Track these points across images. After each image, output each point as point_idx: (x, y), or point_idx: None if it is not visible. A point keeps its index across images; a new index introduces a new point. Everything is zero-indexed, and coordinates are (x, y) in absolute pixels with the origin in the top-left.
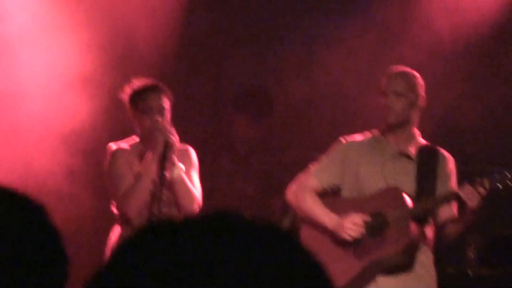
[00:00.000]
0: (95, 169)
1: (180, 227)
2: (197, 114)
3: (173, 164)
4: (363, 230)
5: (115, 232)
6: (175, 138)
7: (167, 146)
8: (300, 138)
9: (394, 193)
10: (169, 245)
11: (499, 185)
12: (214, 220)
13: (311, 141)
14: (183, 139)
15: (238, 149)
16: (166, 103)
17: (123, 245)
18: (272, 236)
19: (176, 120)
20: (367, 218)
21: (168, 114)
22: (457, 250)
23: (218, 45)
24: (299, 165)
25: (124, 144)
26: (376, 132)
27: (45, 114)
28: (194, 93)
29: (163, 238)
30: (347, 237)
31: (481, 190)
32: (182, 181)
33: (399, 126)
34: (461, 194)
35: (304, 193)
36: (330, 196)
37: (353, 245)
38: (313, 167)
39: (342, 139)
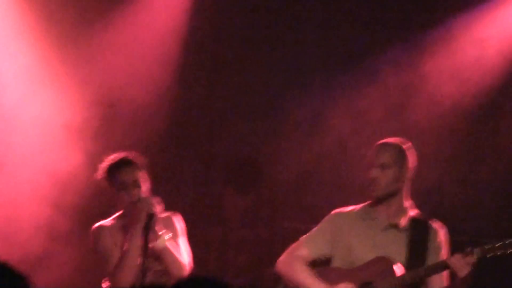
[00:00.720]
0: (79, 226)
1: None
2: (188, 183)
3: (158, 234)
4: None
5: None
6: (157, 207)
7: (150, 217)
8: (291, 208)
9: (384, 263)
10: None
11: (488, 255)
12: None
13: (303, 211)
14: (173, 208)
15: (230, 219)
16: (141, 174)
17: None
18: None
19: (166, 189)
20: None
21: (145, 184)
22: None
23: (211, 112)
24: (291, 235)
25: (106, 221)
26: (367, 203)
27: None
28: (185, 161)
29: None
30: None
31: (471, 259)
32: (167, 250)
33: (387, 198)
34: (451, 263)
35: (294, 263)
36: (320, 266)
37: None
38: (304, 238)
39: (335, 211)
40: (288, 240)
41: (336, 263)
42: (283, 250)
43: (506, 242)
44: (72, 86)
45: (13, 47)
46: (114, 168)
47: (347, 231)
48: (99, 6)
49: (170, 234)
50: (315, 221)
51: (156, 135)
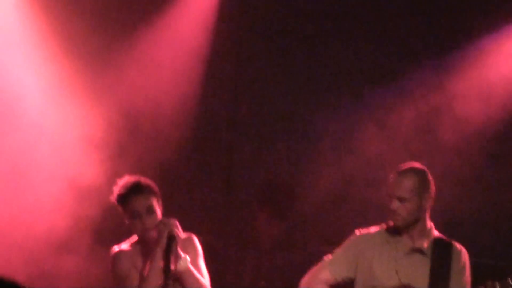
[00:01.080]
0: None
1: None
2: (221, 206)
3: (179, 256)
4: None
5: None
6: (178, 230)
7: (171, 239)
8: (323, 232)
9: None
10: None
11: None
12: None
13: (335, 234)
14: (205, 231)
15: (263, 243)
16: (152, 200)
17: None
18: None
19: (197, 211)
20: None
21: (158, 208)
22: None
23: (244, 135)
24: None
25: (125, 244)
26: (390, 225)
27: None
28: (215, 184)
29: None
30: None
31: None
32: (190, 272)
33: (409, 225)
34: None
35: (317, 285)
36: None
37: None
38: (326, 259)
39: (357, 232)
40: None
41: (358, 285)
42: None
43: None
44: (94, 99)
45: (36, 59)
46: (126, 196)
47: (370, 254)
48: (123, 20)
49: (188, 257)
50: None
51: (179, 156)
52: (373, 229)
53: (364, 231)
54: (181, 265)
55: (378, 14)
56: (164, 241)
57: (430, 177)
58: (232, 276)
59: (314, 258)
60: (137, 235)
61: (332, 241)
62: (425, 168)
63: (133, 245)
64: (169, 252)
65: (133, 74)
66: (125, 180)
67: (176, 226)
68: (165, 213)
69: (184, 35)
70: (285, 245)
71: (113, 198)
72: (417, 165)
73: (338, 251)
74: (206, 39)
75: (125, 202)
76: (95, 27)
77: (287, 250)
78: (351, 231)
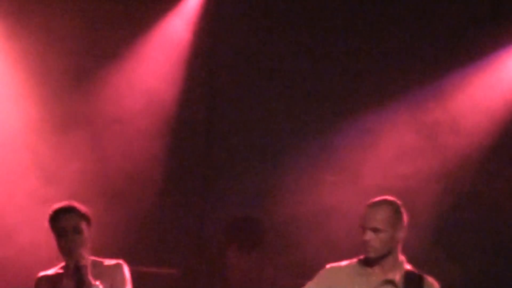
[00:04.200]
0: None
1: None
2: (189, 241)
3: (90, 285)
4: None
5: None
6: (85, 259)
7: (79, 269)
8: (292, 265)
9: None
10: None
11: None
12: None
13: (304, 268)
14: (172, 263)
15: (231, 278)
16: (81, 222)
17: None
18: None
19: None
20: None
21: (84, 233)
22: None
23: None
24: None
25: (52, 270)
26: (362, 257)
27: None
28: (179, 219)
29: None
30: None
31: None
32: None
33: (382, 257)
34: None
35: None
36: None
37: None
38: None
39: (328, 266)
40: None
41: None
42: None
43: None
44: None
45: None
46: (55, 215)
47: (342, 287)
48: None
49: (101, 286)
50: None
51: (153, 188)
52: (345, 263)
53: (335, 265)
54: None
55: (371, 27)
56: (70, 271)
57: (403, 209)
58: None
59: None
60: (63, 256)
61: (301, 275)
62: (398, 201)
63: (59, 269)
64: (78, 280)
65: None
66: (59, 203)
67: (83, 256)
68: (134, 245)
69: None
70: (254, 279)
71: (47, 220)
72: (389, 197)
73: (310, 283)
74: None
75: (54, 220)
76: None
77: (256, 284)
78: (321, 265)
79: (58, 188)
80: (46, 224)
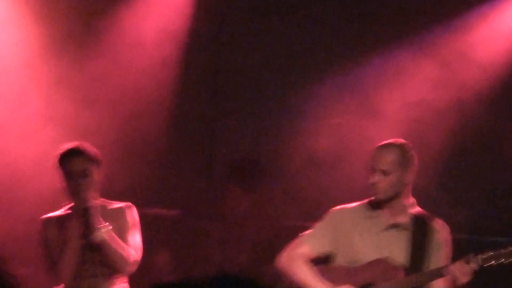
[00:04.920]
0: None
1: None
2: (191, 179)
3: (98, 226)
4: None
5: None
6: (93, 201)
7: (85, 211)
8: (293, 206)
9: (386, 265)
10: None
11: (493, 262)
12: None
13: (305, 209)
14: (174, 203)
15: (231, 217)
16: (90, 165)
17: None
18: None
19: (167, 183)
20: None
21: (93, 176)
22: None
23: (214, 109)
24: (293, 233)
25: (57, 212)
26: (370, 200)
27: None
28: (186, 161)
29: None
30: None
31: (474, 266)
32: (107, 242)
33: (390, 200)
34: (451, 271)
35: (295, 261)
36: (322, 263)
37: None
38: (305, 234)
39: (337, 207)
40: (289, 238)
41: (338, 260)
42: (284, 248)
43: (509, 250)
44: (76, 88)
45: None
46: (65, 157)
47: (349, 229)
48: (101, 7)
49: (110, 227)
50: (316, 217)
51: (158, 131)
52: (353, 204)
53: (342, 206)
54: (97, 235)
55: None
56: (79, 212)
57: (412, 152)
58: (200, 250)
59: (281, 233)
60: (70, 198)
61: (304, 217)
62: (408, 143)
63: (66, 211)
64: (86, 222)
65: (113, 52)
66: (66, 145)
67: (89, 199)
68: (141, 186)
69: (163, 12)
70: (253, 220)
71: (54, 161)
72: (399, 139)
73: (318, 225)
74: (185, 13)
75: (63, 163)
76: (75, 12)
77: (255, 223)
78: (325, 207)
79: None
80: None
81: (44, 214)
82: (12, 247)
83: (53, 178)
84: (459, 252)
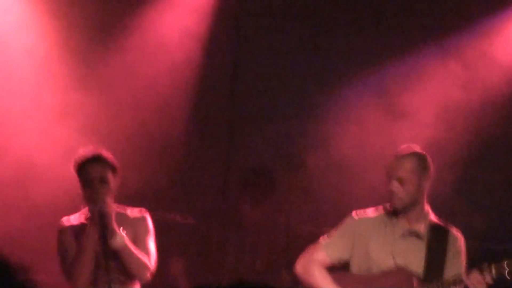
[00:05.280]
0: None
1: None
2: (206, 188)
3: (114, 232)
4: None
5: None
6: (109, 207)
7: (103, 216)
8: (307, 214)
9: (402, 274)
10: None
11: (507, 273)
12: None
13: (318, 216)
14: (190, 212)
15: (247, 224)
16: (108, 172)
17: None
18: None
19: (183, 192)
20: None
21: (111, 183)
22: None
23: (229, 118)
24: (307, 240)
25: (75, 216)
26: (387, 207)
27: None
28: (203, 166)
29: None
30: None
31: (488, 278)
32: (126, 248)
33: (407, 208)
34: (468, 281)
35: (312, 266)
36: (338, 271)
37: None
38: (323, 241)
39: (354, 214)
40: (305, 245)
41: (354, 268)
42: (300, 254)
43: None
44: (95, 87)
45: (32, 45)
46: (83, 164)
47: (366, 236)
48: (121, 8)
49: (124, 233)
50: (332, 222)
51: (175, 135)
52: (370, 211)
53: (361, 213)
54: (116, 242)
55: None
56: (95, 218)
57: (429, 160)
58: (215, 257)
59: (296, 240)
60: (87, 204)
61: (319, 224)
62: (424, 152)
63: (82, 217)
64: (103, 228)
65: (133, 54)
66: (87, 149)
67: (107, 204)
68: (156, 193)
69: (183, 14)
70: (268, 227)
71: (72, 166)
72: (416, 148)
73: (335, 232)
74: (205, 15)
75: (80, 169)
76: (94, 14)
77: (270, 232)
78: (339, 215)
79: (86, 135)
80: (71, 170)
81: (58, 216)
82: (28, 252)
83: (68, 177)
84: (475, 260)
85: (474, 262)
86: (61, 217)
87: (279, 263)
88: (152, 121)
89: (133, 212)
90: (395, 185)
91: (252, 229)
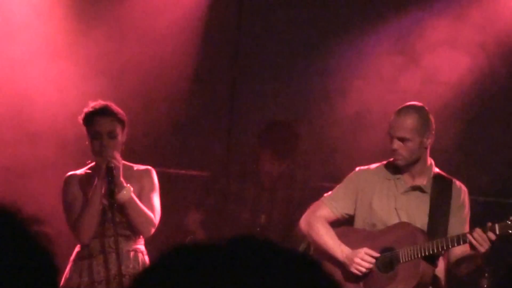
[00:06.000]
0: None
1: (205, 252)
2: (215, 143)
3: (121, 186)
4: (372, 266)
5: (75, 251)
6: (116, 161)
7: (111, 170)
8: (324, 168)
9: (407, 230)
10: (194, 269)
11: (511, 231)
12: (240, 245)
13: (334, 169)
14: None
15: (263, 180)
16: (116, 126)
17: (147, 269)
18: (297, 261)
19: (189, 149)
20: (378, 253)
21: (121, 137)
22: (471, 280)
23: (233, 75)
24: (321, 194)
25: (81, 170)
26: (390, 162)
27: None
28: (210, 121)
29: (189, 262)
30: (356, 272)
31: (491, 235)
32: (133, 202)
33: (410, 164)
34: (471, 239)
35: (316, 223)
36: (342, 226)
37: (363, 279)
38: (326, 196)
39: (357, 169)
40: (317, 199)
41: (358, 223)
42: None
43: None
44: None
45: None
46: (92, 116)
47: (369, 191)
48: None
49: (132, 189)
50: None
51: (180, 94)
52: (374, 166)
53: (364, 168)
54: (122, 195)
55: None
56: (102, 172)
57: (430, 115)
58: (231, 212)
59: (313, 195)
60: (94, 158)
61: (331, 179)
62: (425, 107)
63: (88, 170)
64: (110, 182)
65: (133, 16)
66: (96, 102)
67: (115, 157)
68: (165, 149)
69: None
70: (285, 182)
71: (81, 118)
72: (416, 103)
73: (338, 187)
74: None
75: (89, 122)
76: None
77: (287, 187)
78: (351, 169)
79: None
80: (80, 120)
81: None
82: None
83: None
84: (480, 215)
85: (479, 217)
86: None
87: (294, 219)
88: (155, 81)
89: (138, 167)
90: (396, 144)
91: (270, 184)
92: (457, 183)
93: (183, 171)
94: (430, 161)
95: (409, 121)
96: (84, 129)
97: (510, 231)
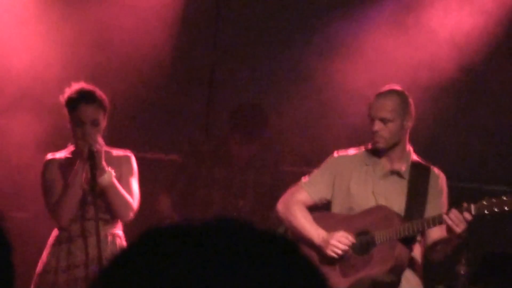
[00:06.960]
0: None
1: (182, 232)
2: (191, 127)
3: (103, 170)
4: (348, 248)
5: (53, 235)
6: (99, 145)
7: (92, 154)
8: (296, 152)
9: (383, 213)
10: (172, 250)
11: (486, 212)
12: (217, 226)
13: (306, 156)
14: (175, 151)
15: (234, 163)
16: (100, 113)
17: (125, 250)
18: (275, 242)
19: (165, 132)
20: (354, 236)
21: (103, 123)
22: (448, 267)
23: (215, 58)
24: (294, 179)
25: (61, 153)
26: (369, 147)
27: None
28: (187, 105)
29: (167, 243)
30: (332, 254)
31: (467, 216)
32: (114, 187)
33: (390, 148)
34: (447, 219)
35: (293, 206)
36: (319, 210)
37: (339, 262)
38: (304, 180)
39: (336, 153)
40: (290, 183)
41: (335, 207)
42: (283, 193)
43: (505, 198)
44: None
45: None
46: (76, 102)
47: (347, 175)
48: None
49: (113, 172)
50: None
51: (160, 74)
52: (352, 150)
53: (342, 152)
54: (104, 179)
55: None
56: (84, 156)
57: (410, 99)
58: (203, 194)
59: (283, 179)
60: (75, 143)
61: (305, 162)
62: (405, 90)
63: (68, 153)
64: (92, 165)
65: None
66: (80, 85)
67: (97, 142)
68: (140, 132)
69: None
70: (256, 164)
71: (63, 98)
72: (397, 87)
73: (316, 172)
74: None
75: (73, 108)
76: None
77: (257, 171)
78: (326, 153)
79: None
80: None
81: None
82: (9, 190)
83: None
84: (458, 202)
85: (458, 203)
86: None
87: (265, 203)
88: (132, 63)
89: (118, 152)
90: (377, 125)
91: (240, 167)
92: (435, 169)
93: (160, 155)
94: (409, 147)
95: (390, 103)
96: (65, 110)
97: (486, 212)
